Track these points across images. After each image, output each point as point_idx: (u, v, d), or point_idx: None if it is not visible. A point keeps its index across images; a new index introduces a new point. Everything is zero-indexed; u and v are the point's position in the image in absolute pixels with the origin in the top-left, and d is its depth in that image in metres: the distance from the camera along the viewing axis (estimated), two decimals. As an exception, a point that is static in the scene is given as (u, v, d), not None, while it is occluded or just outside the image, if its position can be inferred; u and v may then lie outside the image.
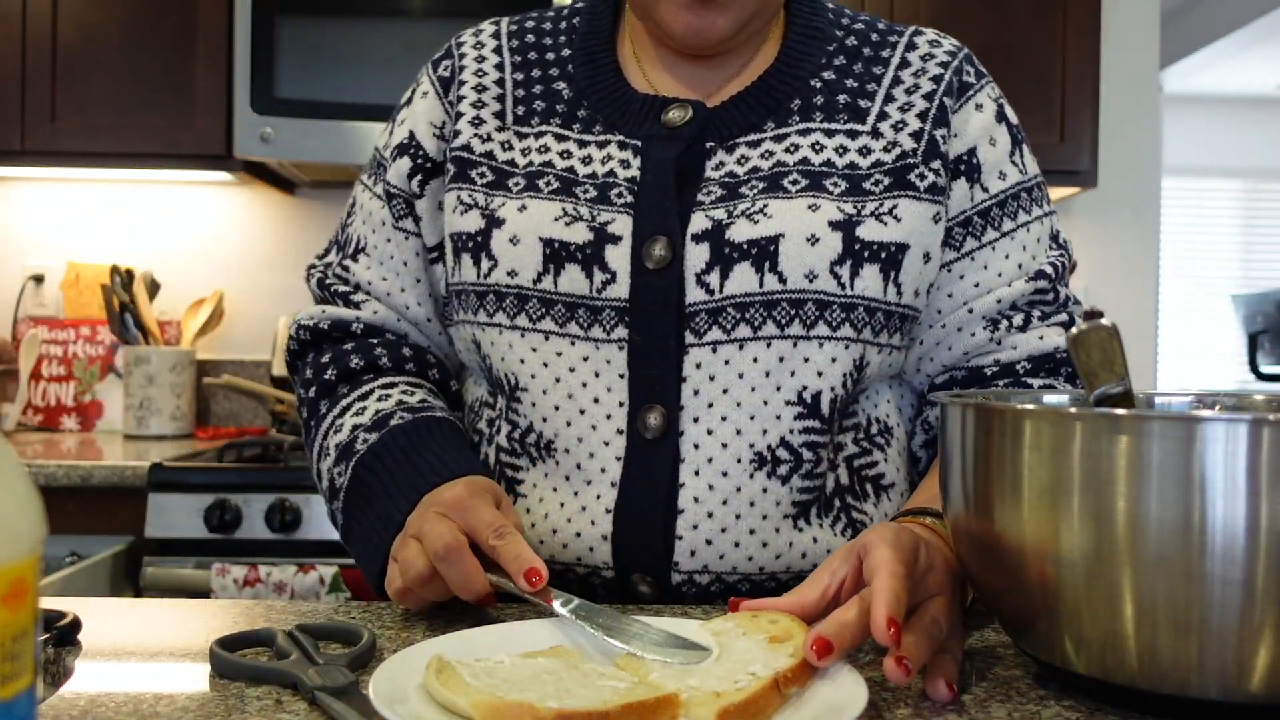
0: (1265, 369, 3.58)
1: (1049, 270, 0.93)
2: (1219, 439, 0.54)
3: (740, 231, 0.85)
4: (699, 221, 0.86)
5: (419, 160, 0.97)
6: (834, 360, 0.86)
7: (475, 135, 0.95)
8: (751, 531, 0.86)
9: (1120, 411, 0.58)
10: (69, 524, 1.96)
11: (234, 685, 0.64)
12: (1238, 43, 4.23)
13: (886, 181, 0.88)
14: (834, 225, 0.86)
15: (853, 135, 0.90)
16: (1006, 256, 0.92)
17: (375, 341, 0.98)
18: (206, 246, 2.69)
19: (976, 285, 0.92)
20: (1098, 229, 2.71)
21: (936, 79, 0.93)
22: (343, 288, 1.00)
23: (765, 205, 0.86)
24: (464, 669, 0.58)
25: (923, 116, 0.91)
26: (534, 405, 0.89)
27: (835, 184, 0.88)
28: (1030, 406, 0.69)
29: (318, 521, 1.88)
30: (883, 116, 0.91)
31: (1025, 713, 0.61)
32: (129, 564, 1.96)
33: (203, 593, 1.83)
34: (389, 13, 2.18)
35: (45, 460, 1.98)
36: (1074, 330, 0.67)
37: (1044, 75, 2.30)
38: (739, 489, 0.85)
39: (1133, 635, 0.57)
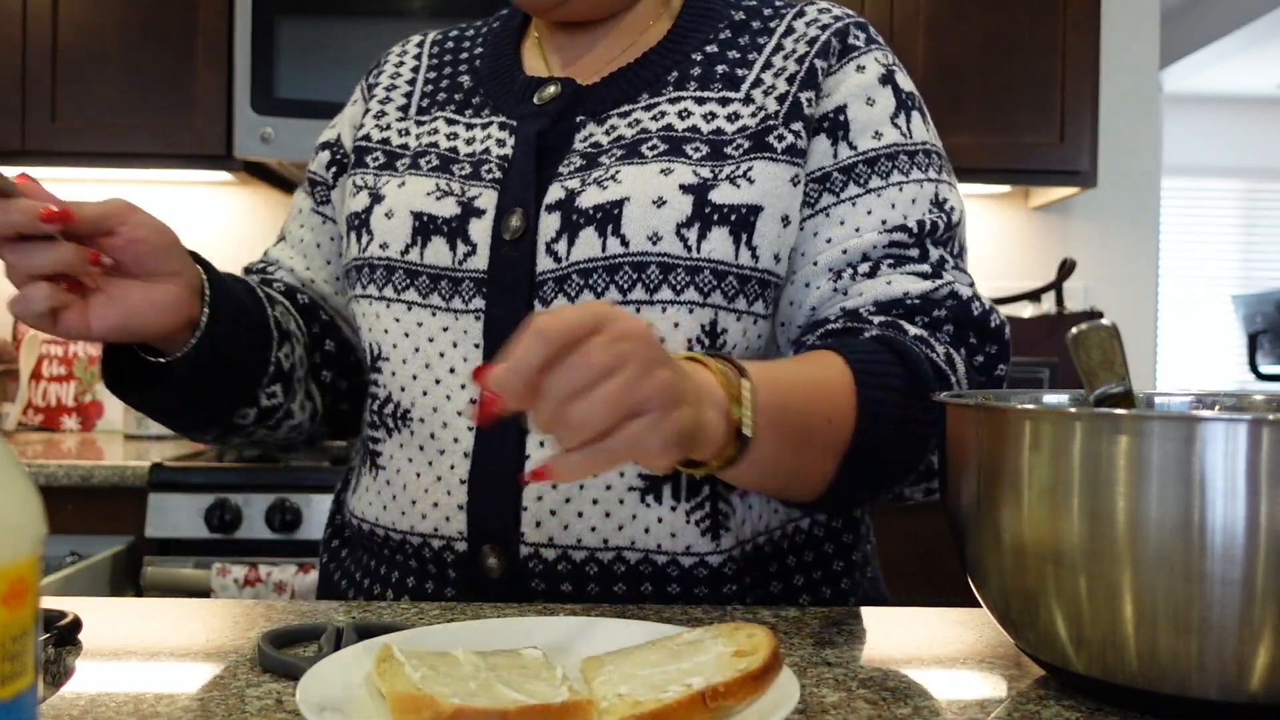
0: (1265, 369, 3.57)
1: (913, 226, 0.87)
2: (1219, 439, 0.54)
3: (589, 198, 0.85)
4: (554, 192, 0.87)
5: (337, 154, 1.04)
6: (677, 325, 0.84)
7: (376, 125, 1.00)
8: (594, 502, 0.84)
9: (1120, 411, 0.58)
10: (69, 524, 1.96)
11: (234, 685, 0.64)
12: (1238, 42, 4.22)
13: (746, 145, 0.87)
14: (686, 189, 0.84)
15: (724, 103, 0.89)
16: (869, 213, 0.87)
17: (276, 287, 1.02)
18: (206, 246, 2.69)
19: (829, 240, 0.87)
20: (1097, 229, 2.71)
21: (812, 41, 0.91)
22: (258, 264, 1.07)
23: (617, 171, 0.86)
24: (410, 660, 0.59)
25: (791, 79, 0.89)
26: (393, 375, 0.91)
27: (696, 149, 0.87)
28: (1030, 406, 0.69)
29: (318, 521, 1.88)
30: (757, 84, 0.90)
31: (1025, 712, 0.61)
32: (129, 564, 1.96)
33: (203, 593, 1.83)
34: (389, 13, 2.18)
35: (46, 460, 1.98)
36: (1074, 330, 0.67)
37: (1044, 75, 2.30)
38: None
39: (1133, 635, 0.57)
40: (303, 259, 1.05)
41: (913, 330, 0.83)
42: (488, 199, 0.88)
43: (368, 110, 1.03)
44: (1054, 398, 0.80)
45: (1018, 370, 2.15)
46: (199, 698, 0.62)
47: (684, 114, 0.89)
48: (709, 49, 0.93)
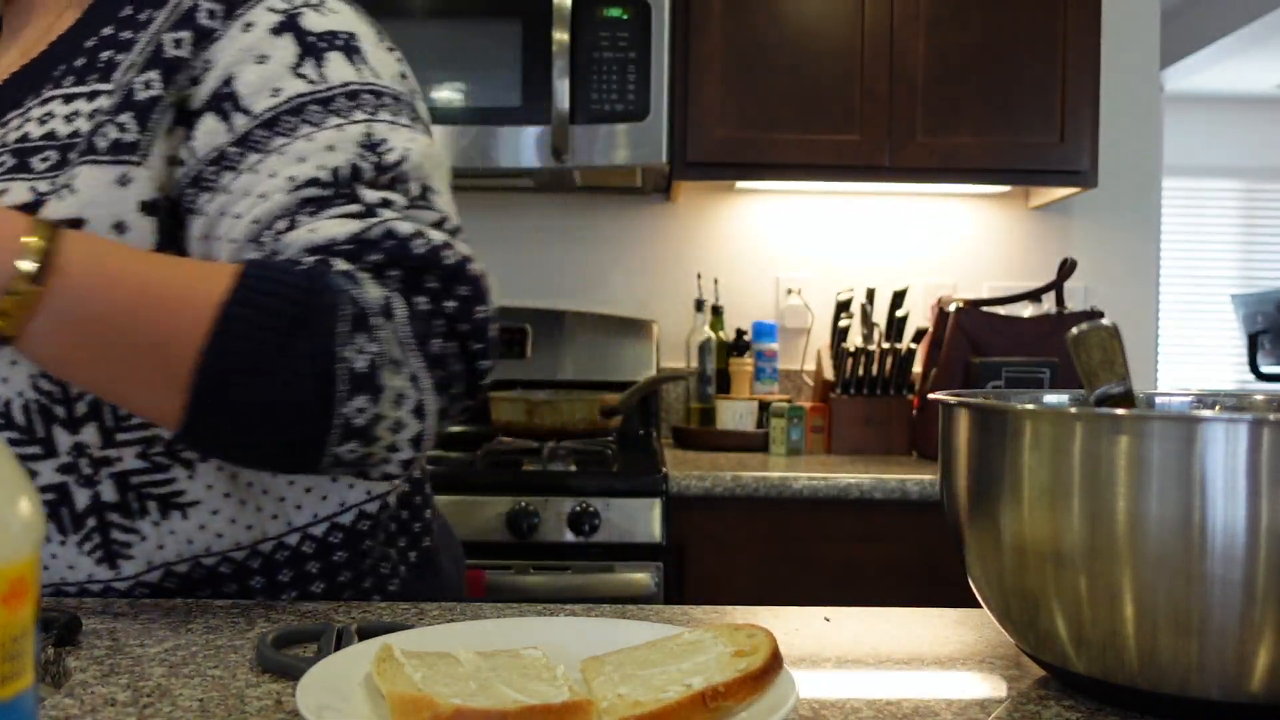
0: (1265, 369, 3.58)
1: (326, 177, 0.76)
2: (1219, 439, 0.54)
3: None
4: None
5: None
6: (14, 363, 0.78)
7: None
8: None
9: (1120, 411, 0.58)
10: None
11: (234, 685, 0.64)
12: (1238, 42, 4.22)
13: (83, 146, 0.77)
14: (23, 208, 0.75)
15: (92, 96, 0.78)
16: (272, 175, 0.76)
17: None
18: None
19: (238, 215, 0.76)
20: (1098, 229, 2.71)
21: (178, 8, 0.80)
22: None
23: None
24: (410, 660, 0.58)
25: (147, 64, 0.79)
26: None
27: (45, 159, 0.77)
28: (1030, 407, 0.69)
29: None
30: (130, 68, 0.79)
31: (1025, 713, 0.61)
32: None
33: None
34: (389, 12, 2.18)
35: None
36: (1074, 330, 0.67)
37: (1044, 75, 2.30)
38: None
39: (1133, 635, 0.57)
40: None
41: (342, 266, 0.72)
42: None
43: None
44: (1054, 398, 0.80)
45: (1018, 370, 2.15)
46: (199, 698, 0.62)
47: (45, 118, 0.79)
48: (105, 31, 0.81)
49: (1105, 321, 0.67)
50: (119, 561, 0.82)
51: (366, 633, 0.70)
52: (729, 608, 0.83)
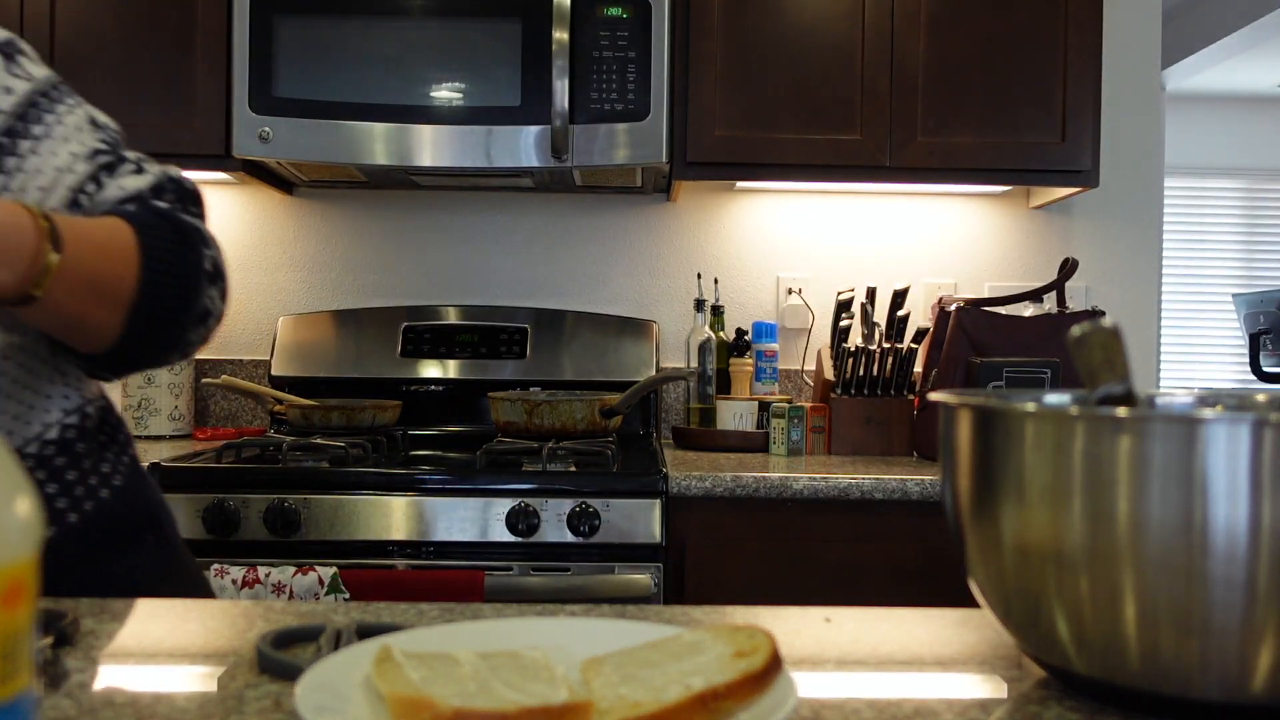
0: (1267, 368, 3.57)
1: (102, 146, 1.01)
2: (1221, 439, 0.54)
3: None
4: None
5: None
6: None
7: None
8: None
9: (1122, 412, 0.58)
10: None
11: (233, 686, 0.64)
12: (1240, 42, 4.22)
13: None
14: None
15: None
16: (55, 154, 0.97)
17: None
18: (206, 246, 2.69)
19: (43, 189, 0.96)
20: (1100, 228, 2.70)
21: None
22: None
23: None
24: (410, 661, 0.58)
25: None
26: None
27: None
28: (1032, 407, 0.69)
29: (316, 522, 1.88)
30: None
31: (1027, 713, 0.61)
32: (129, 564, 1.96)
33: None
34: (389, 12, 2.18)
35: (45, 460, 1.98)
36: (1076, 330, 0.67)
37: (1046, 74, 2.30)
38: None
39: (1135, 636, 0.57)
40: None
41: (163, 206, 0.99)
42: None
43: None
44: (1056, 398, 0.80)
45: (1019, 370, 2.15)
46: (197, 699, 0.62)
47: None
48: None
49: (1107, 321, 0.66)
50: None
51: (365, 633, 0.70)
52: (729, 608, 0.83)
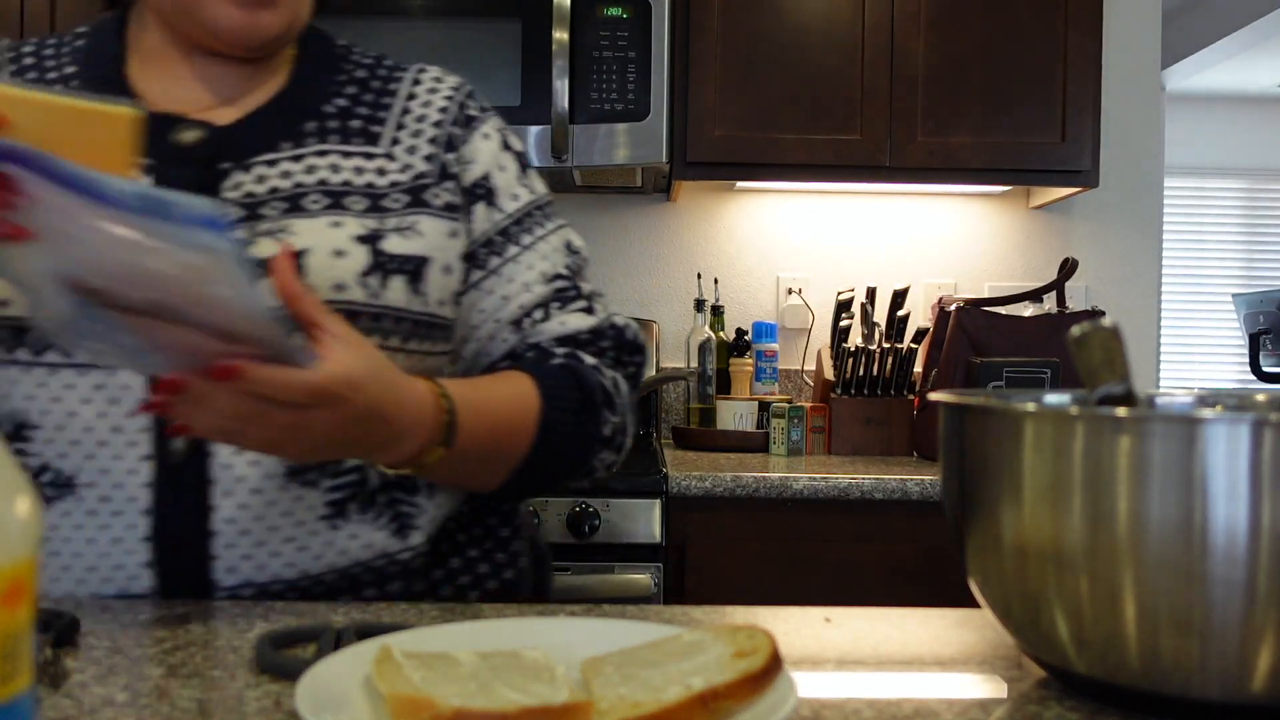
0: (1267, 369, 3.57)
1: (565, 271, 1.02)
2: (1220, 440, 0.54)
3: (265, 250, 0.85)
4: None
5: None
6: None
7: None
8: (288, 539, 0.87)
9: (1122, 412, 0.58)
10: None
11: (233, 686, 0.64)
12: (1240, 42, 4.22)
13: (405, 200, 0.95)
14: (359, 239, 0.90)
15: (369, 157, 0.96)
16: (530, 268, 1.00)
17: None
18: (207, 246, 2.69)
19: (505, 298, 0.99)
20: (1100, 229, 2.70)
21: (444, 110, 1.01)
22: None
23: (288, 225, 0.89)
24: (410, 661, 0.58)
25: (433, 142, 0.99)
26: (48, 443, 0.86)
27: (356, 202, 0.93)
28: (1031, 407, 0.69)
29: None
30: (395, 141, 0.98)
31: (1026, 713, 0.61)
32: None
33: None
34: (389, 12, 2.18)
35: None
36: (1076, 330, 0.67)
37: (1046, 75, 2.30)
38: (272, 503, 0.87)
39: (1134, 636, 0.57)
40: None
41: (589, 360, 0.98)
42: None
43: None
44: (1055, 398, 0.80)
45: (1019, 370, 2.15)
46: (197, 699, 0.62)
47: (334, 168, 0.94)
48: (339, 102, 0.99)
49: (1106, 321, 0.66)
50: (409, 533, 0.93)
51: (365, 633, 0.70)
52: (729, 608, 0.83)
